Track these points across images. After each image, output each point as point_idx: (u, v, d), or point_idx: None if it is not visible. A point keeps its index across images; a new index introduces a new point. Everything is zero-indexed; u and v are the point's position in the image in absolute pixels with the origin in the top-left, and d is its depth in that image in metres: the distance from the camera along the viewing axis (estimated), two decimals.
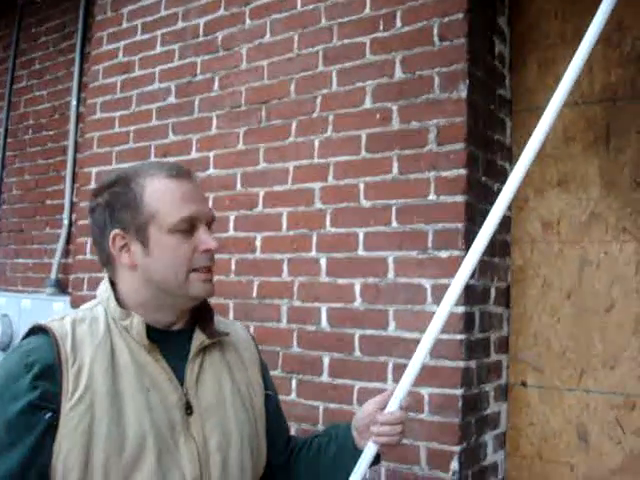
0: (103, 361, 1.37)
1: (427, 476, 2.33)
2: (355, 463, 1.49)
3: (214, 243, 1.44)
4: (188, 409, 1.42)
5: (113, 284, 1.49)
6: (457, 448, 2.30)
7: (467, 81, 2.40)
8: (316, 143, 2.72)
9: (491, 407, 2.53)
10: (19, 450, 1.29)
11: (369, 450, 1.49)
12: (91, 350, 1.37)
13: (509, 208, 2.66)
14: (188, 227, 1.42)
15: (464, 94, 2.40)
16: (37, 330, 1.41)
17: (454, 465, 2.30)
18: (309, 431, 2.61)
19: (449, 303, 1.50)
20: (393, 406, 1.50)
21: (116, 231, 1.43)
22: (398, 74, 2.55)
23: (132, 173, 1.47)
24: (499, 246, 2.59)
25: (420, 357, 1.51)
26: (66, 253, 4.14)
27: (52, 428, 1.30)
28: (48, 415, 1.30)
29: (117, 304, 1.44)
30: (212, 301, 1.57)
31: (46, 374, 1.32)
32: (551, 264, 2.58)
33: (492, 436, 2.54)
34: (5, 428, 1.30)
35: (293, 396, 2.67)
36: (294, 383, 2.68)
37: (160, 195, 1.42)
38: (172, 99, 3.24)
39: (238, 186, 2.94)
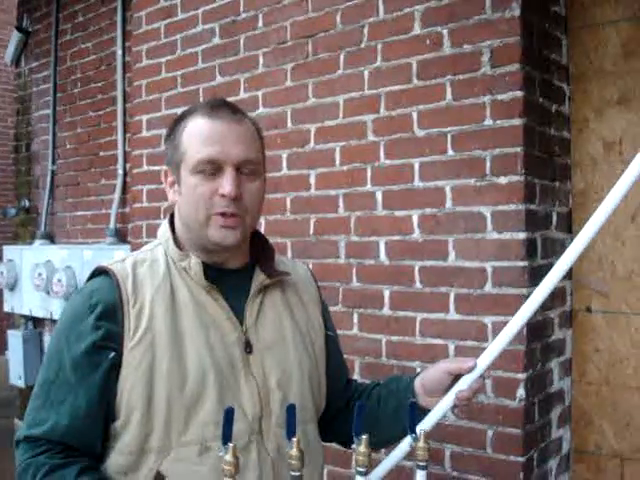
0: (163, 301, 1.39)
1: (493, 404, 2.33)
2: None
3: (229, 189, 1.36)
4: (248, 347, 1.43)
5: (172, 225, 1.50)
6: (522, 375, 2.29)
7: None
8: (366, 74, 2.66)
9: (556, 334, 2.50)
10: (85, 388, 1.34)
11: (445, 405, 1.47)
12: (151, 290, 1.39)
13: (568, 130, 2.58)
14: (212, 169, 1.38)
15: (517, 13, 2.31)
16: (99, 272, 1.43)
17: (520, 392, 2.29)
18: (373, 364, 2.62)
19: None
20: (477, 373, 1.46)
21: (165, 167, 1.48)
22: None
23: (186, 111, 1.49)
24: (559, 170, 2.52)
25: (512, 331, 1.47)
26: (123, 203, 4.20)
27: (115, 367, 1.34)
28: (111, 354, 1.34)
29: (175, 245, 1.46)
30: (270, 241, 1.57)
31: (108, 314, 1.35)
32: (614, 186, 2.50)
33: (557, 363, 2.52)
34: (71, 367, 1.34)
35: (355, 330, 2.68)
36: (355, 317, 2.68)
37: (190, 135, 1.42)
38: (217, 40, 3.20)
39: (289, 123, 2.91)
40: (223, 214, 1.39)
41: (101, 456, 1.39)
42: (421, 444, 1.31)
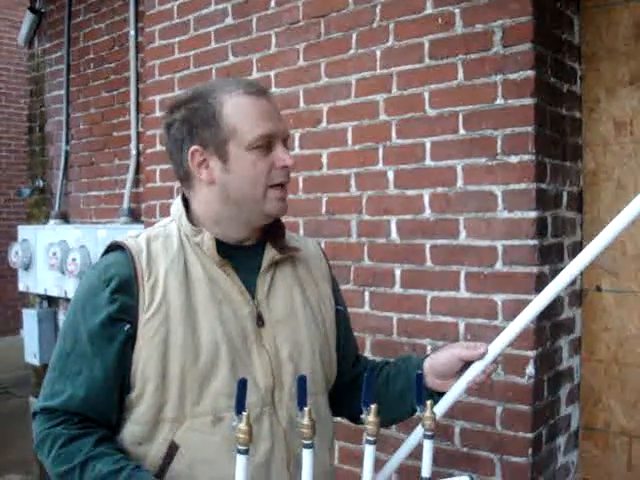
0: (177, 275, 1.42)
1: (502, 381, 2.35)
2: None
3: (291, 160, 1.45)
4: (259, 321, 1.46)
5: (186, 202, 1.53)
6: (532, 353, 2.31)
7: None
8: (378, 53, 2.66)
9: (565, 312, 2.51)
10: (101, 360, 1.37)
11: (457, 392, 1.52)
12: (165, 265, 1.42)
13: (579, 110, 2.58)
14: (266, 144, 1.43)
15: None
16: (114, 247, 1.47)
17: (529, 370, 2.31)
18: (384, 342, 2.65)
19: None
20: (489, 359, 1.50)
21: (195, 147, 1.45)
22: None
23: (209, 89, 1.48)
24: (570, 149, 2.53)
25: (524, 320, 1.49)
26: (136, 182, 4.22)
27: (131, 339, 1.37)
28: (127, 327, 1.37)
29: (188, 221, 1.48)
30: (282, 219, 1.59)
31: (124, 288, 1.39)
32: (625, 166, 2.51)
33: (567, 341, 2.53)
34: (88, 340, 1.38)
35: (367, 308, 2.70)
36: (367, 295, 2.71)
37: (239, 112, 1.43)
38: (229, 20, 3.21)
39: (301, 103, 2.92)
40: (282, 185, 1.46)
41: (116, 427, 1.43)
42: (428, 414, 1.34)
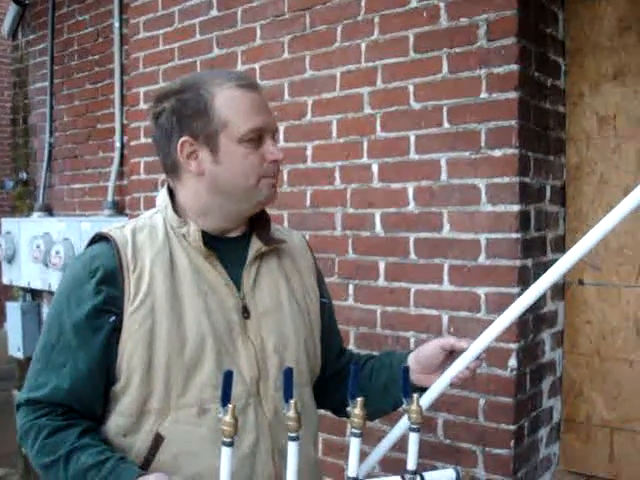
0: (162, 267, 1.42)
1: (485, 373, 2.37)
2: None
3: (281, 154, 1.46)
4: (245, 312, 1.46)
5: (171, 193, 1.52)
6: (514, 346, 2.32)
7: None
8: (363, 47, 2.66)
9: (548, 306, 2.53)
10: (86, 352, 1.37)
11: (444, 382, 1.54)
12: (151, 256, 1.42)
13: (563, 104, 2.60)
14: (256, 137, 1.43)
15: None
16: (99, 238, 1.46)
17: (512, 362, 2.33)
18: (368, 335, 2.66)
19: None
20: (473, 354, 1.52)
21: (185, 138, 1.44)
22: None
23: (199, 80, 1.47)
24: (553, 143, 2.54)
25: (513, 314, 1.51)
26: (120, 175, 4.20)
27: (116, 331, 1.37)
28: (112, 318, 1.37)
29: (174, 212, 1.48)
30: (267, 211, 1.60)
31: (109, 279, 1.38)
32: (607, 160, 2.53)
33: (549, 334, 2.55)
34: (72, 331, 1.37)
35: (350, 301, 2.71)
36: (351, 288, 2.71)
37: (231, 104, 1.42)
38: (214, 12, 3.20)
39: (286, 96, 2.92)
40: (272, 176, 1.47)
41: (101, 418, 1.43)
42: (414, 407, 1.34)
